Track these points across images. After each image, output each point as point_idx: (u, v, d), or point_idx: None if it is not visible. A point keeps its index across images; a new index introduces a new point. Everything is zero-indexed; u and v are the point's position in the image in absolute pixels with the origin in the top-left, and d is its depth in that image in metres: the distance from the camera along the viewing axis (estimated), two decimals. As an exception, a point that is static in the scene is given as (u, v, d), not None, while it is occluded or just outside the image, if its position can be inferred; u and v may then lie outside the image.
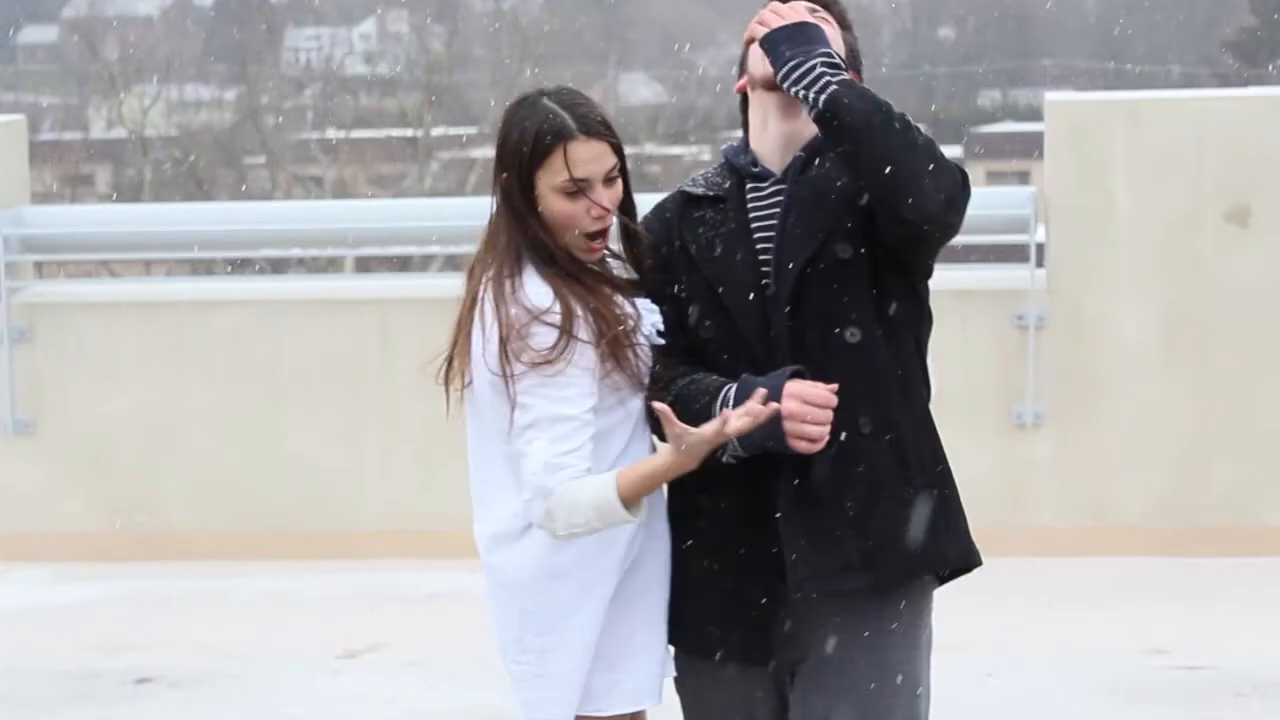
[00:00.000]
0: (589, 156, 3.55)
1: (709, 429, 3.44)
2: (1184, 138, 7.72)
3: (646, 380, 3.63)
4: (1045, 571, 7.46)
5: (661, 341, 3.65)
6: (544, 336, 3.50)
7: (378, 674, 6.62)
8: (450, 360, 3.65)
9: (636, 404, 3.63)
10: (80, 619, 7.35)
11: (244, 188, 33.54)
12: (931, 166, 3.47)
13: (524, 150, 3.55)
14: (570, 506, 3.51)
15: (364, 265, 18.64)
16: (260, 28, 40.91)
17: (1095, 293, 7.74)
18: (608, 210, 3.58)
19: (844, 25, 3.78)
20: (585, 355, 3.52)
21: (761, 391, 3.45)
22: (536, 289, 3.53)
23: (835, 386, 3.50)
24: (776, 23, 3.62)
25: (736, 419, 3.42)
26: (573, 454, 3.52)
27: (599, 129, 3.57)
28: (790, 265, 3.59)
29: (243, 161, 35.51)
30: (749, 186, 3.71)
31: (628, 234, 3.67)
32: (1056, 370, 7.74)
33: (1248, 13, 45.13)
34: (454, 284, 3.76)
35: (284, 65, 41.89)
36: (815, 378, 3.52)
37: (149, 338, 8.09)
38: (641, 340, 3.60)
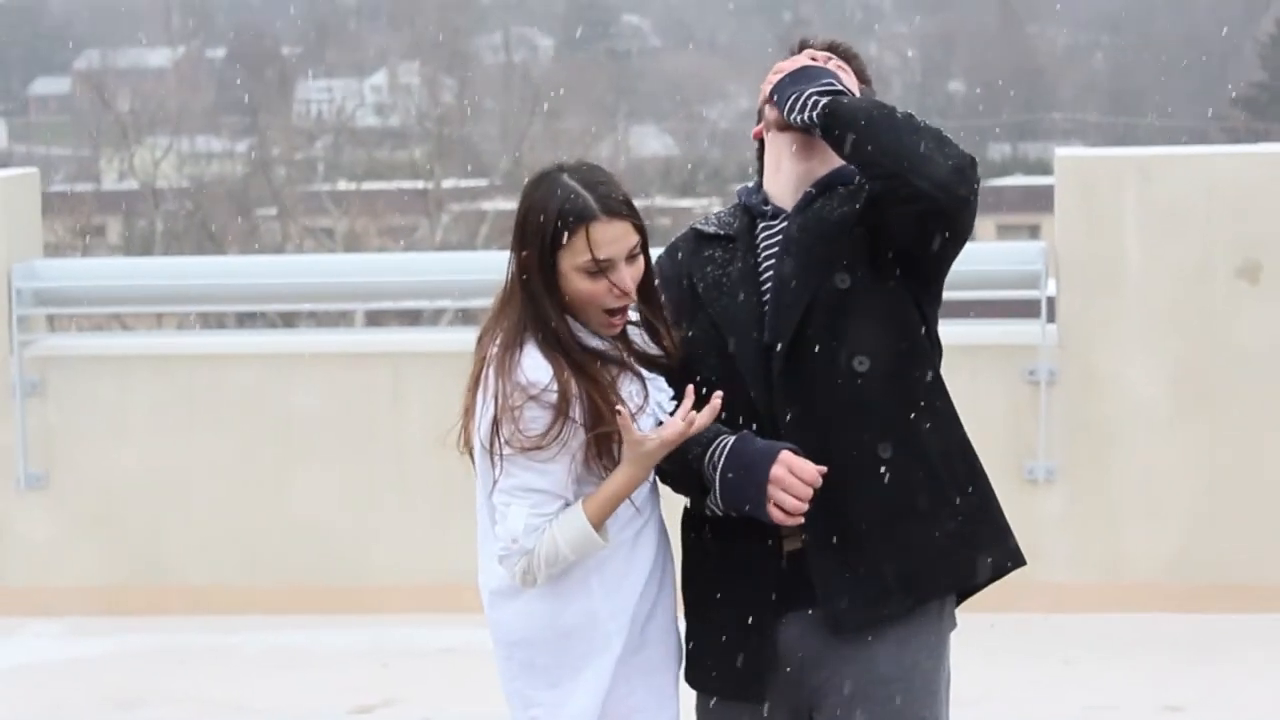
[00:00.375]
0: (612, 238, 3.54)
1: (668, 431, 3.48)
2: (1194, 194, 7.73)
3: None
4: (1059, 628, 7.44)
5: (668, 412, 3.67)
6: (537, 420, 3.50)
7: (389, 729, 6.61)
8: (465, 425, 3.68)
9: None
10: (93, 673, 7.35)
11: (255, 239, 33.63)
12: (937, 142, 3.54)
13: (546, 230, 3.53)
14: (550, 559, 3.54)
15: (375, 319, 18.68)
16: (272, 80, 41.08)
17: (1107, 348, 7.74)
18: (629, 290, 3.56)
19: (863, 79, 3.85)
20: (576, 436, 3.52)
21: (719, 394, 3.52)
22: (535, 364, 3.52)
23: (825, 470, 3.52)
24: (788, 68, 3.72)
25: (702, 418, 3.48)
26: (547, 517, 3.56)
27: (621, 209, 3.56)
28: (788, 311, 3.62)
29: (254, 213, 35.63)
30: (760, 226, 3.75)
31: (650, 327, 3.68)
32: (1068, 426, 7.74)
33: (1258, 68, 45.25)
34: (466, 338, 3.77)
35: (295, 117, 42.07)
36: (822, 410, 3.57)
37: (160, 391, 8.11)
38: (642, 424, 3.59)
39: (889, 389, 3.60)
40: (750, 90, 48.73)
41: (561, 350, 3.53)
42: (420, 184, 35.46)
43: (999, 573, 3.71)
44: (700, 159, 43.04)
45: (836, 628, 3.58)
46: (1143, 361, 7.73)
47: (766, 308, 3.64)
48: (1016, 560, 3.71)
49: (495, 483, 3.55)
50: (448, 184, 35.46)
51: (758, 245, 3.71)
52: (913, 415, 3.62)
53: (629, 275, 3.56)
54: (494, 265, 3.74)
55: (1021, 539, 3.75)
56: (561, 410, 3.48)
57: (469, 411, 3.62)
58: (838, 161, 3.72)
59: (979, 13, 49.15)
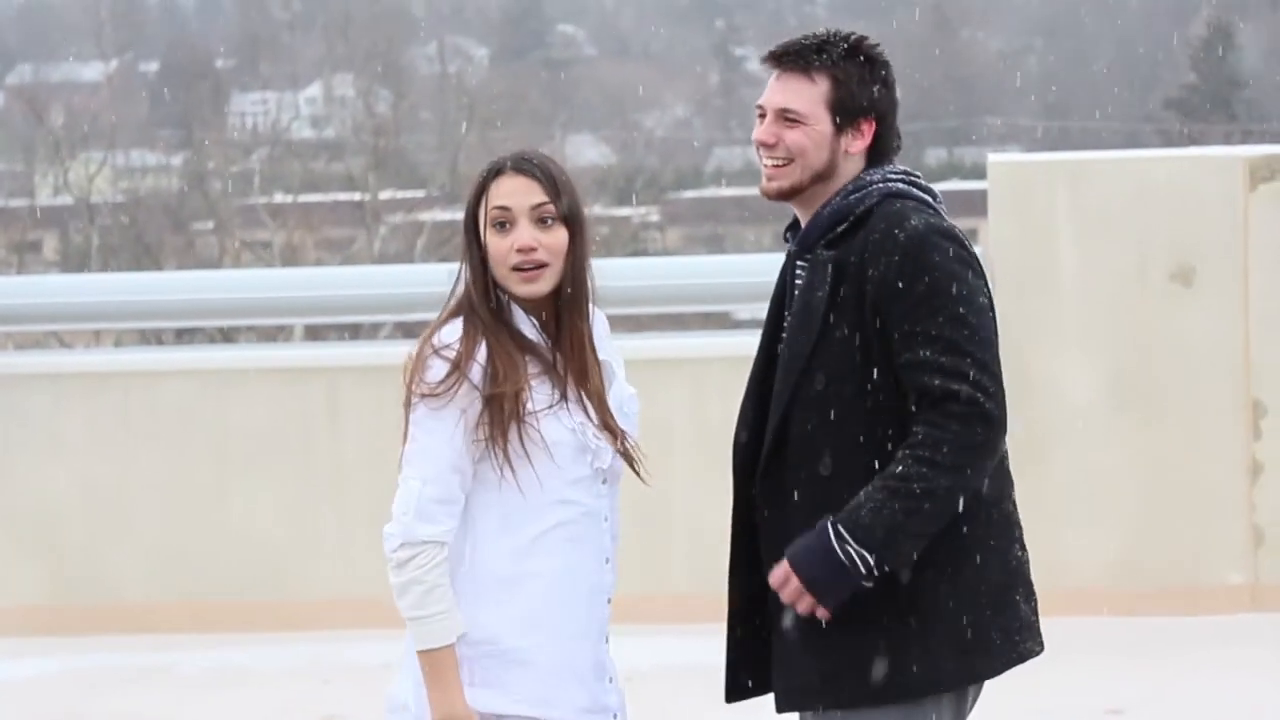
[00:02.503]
0: (513, 188, 3.65)
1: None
2: (1127, 198, 7.77)
3: (534, 473, 3.63)
4: (998, 632, 7.45)
5: (592, 448, 3.67)
6: (437, 370, 3.60)
7: (331, 746, 6.57)
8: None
9: (543, 493, 3.65)
10: (30, 693, 7.29)
11: (192, 253, 33.46)
12: (971, 460, 3.50)
13: (471, 193, 3.70)
14: (424, 596, 3.61)
15: (314, 333, 18.62)
16: (206, 93, 40.88)
17: (1041, 352, 7.77)
18: (528, 248, 3.63)
19: (874, 68, 3.70)
20: (470, 397, 3.59)
21: None
22: (451, 329, 3.65)
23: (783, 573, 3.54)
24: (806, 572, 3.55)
25: None
26: (443, 506, 3.60)
27: (533, 170, 3.67)
28: (774, 408, 3.63)
29: (190, 227, 35.44)
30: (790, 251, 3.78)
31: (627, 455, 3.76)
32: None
33: (1189, 70, 45.53)
34: (403, 351, 3.80)
35: (230, 130, 41.87)
36: (791, 510, 3.59)
37: (97, 408, 8.06)
38: (536, 426, 3.61)
39: (850, 491, 3.56)
40: (685, 98, 48.79)
41: (479, 320, 3.64)
42: (357, 196, 35.34)
43: (931, 687, 3.61)
44: (637, 167, 43.01)
45: (776, 706, 3.67)
46: (1079, 365, 7.77)
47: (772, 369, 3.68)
48: (957, 680, 3.63)
49: (404, 438, 3.64)
50: (384, 195, 35.35)
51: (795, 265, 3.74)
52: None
53: (531, 236, 3.64)
54: (432, 278, 3.80)
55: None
56: (457, 365, 3.58)
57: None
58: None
59: (912, 19, 49.32)
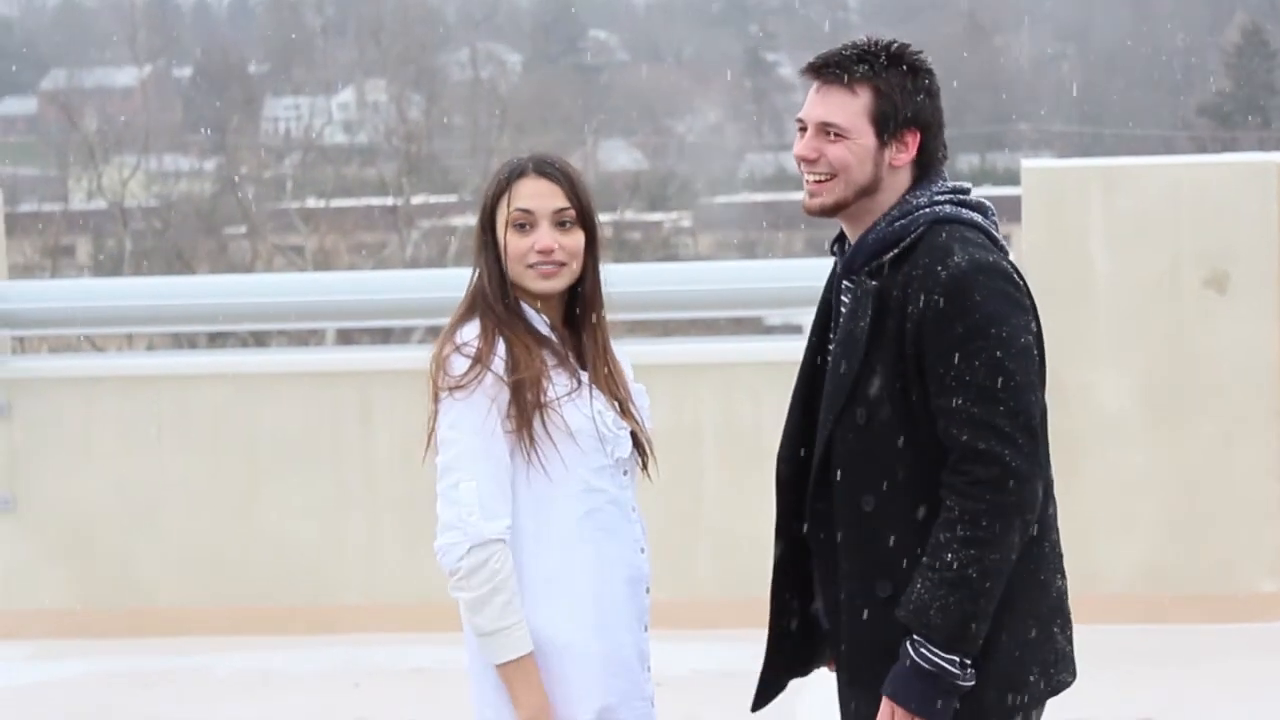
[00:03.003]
0: (535, 191, 3.72)
1: None
2: (1161, 204, 7.74)
3: (561, 460, 3.66)
4: (1029, 639, 7.43)
5: (610, 437, 3.70)
6: (460, 364, 3.66)
7: (361, 750, 6.58)
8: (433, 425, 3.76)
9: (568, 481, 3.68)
10: (62, 697, 7.31)
11: (225, 258, 33.56)
12: (1008, 524, 3.45)
13: (489, 193, 3.75)
14: (504, 608, 3.61)
15: (345, 337, 18.65)
16: (239, 98, 40.99)
17: (1074, 360, 7.75)
18: (548, 250, 3.69)
19: (917, 77, 3.60)
20: (498, 388, 3.64)
21: None
22: (469, 328, 3.70)
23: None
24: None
25: None
26: (500, 501, 3.63)
27: (554, 173, 3.74)
28: (821, 433, 3.59)
29: (223, 231, 35.55)
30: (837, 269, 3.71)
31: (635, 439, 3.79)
32: (1038, 437, 7.73)
33: (1224, 77, 45.41)
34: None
35: (263, 135, 41.99)
36: (840, 540, 3.56)
37: (129, 412, 8.07)
38: (559, 411, 3.66)
39: (892, 528, 3.53)
40: (717, 103, 48.79)
41: (495, 315, 3.70)
42: (389, 200, 35.42)
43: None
44: (669, 173, 43.05)
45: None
46: (1111, 372, 7.74)
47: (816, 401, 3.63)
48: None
49: (431, 435, 3.67)
50: (417, 200, 35.44)
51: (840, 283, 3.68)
52: (910, 557, 3.53)
53: (552, 238, 3.71)
54: (463, 282, 3.80)
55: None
56: (479, 358, 3.64)
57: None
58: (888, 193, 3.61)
59: (946, 24, 49.25)
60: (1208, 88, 45.51)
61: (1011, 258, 3.61)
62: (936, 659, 3.45)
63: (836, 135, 3.57)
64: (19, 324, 8.34)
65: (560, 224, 3.72)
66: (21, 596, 8.05)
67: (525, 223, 3.71)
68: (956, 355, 3.45)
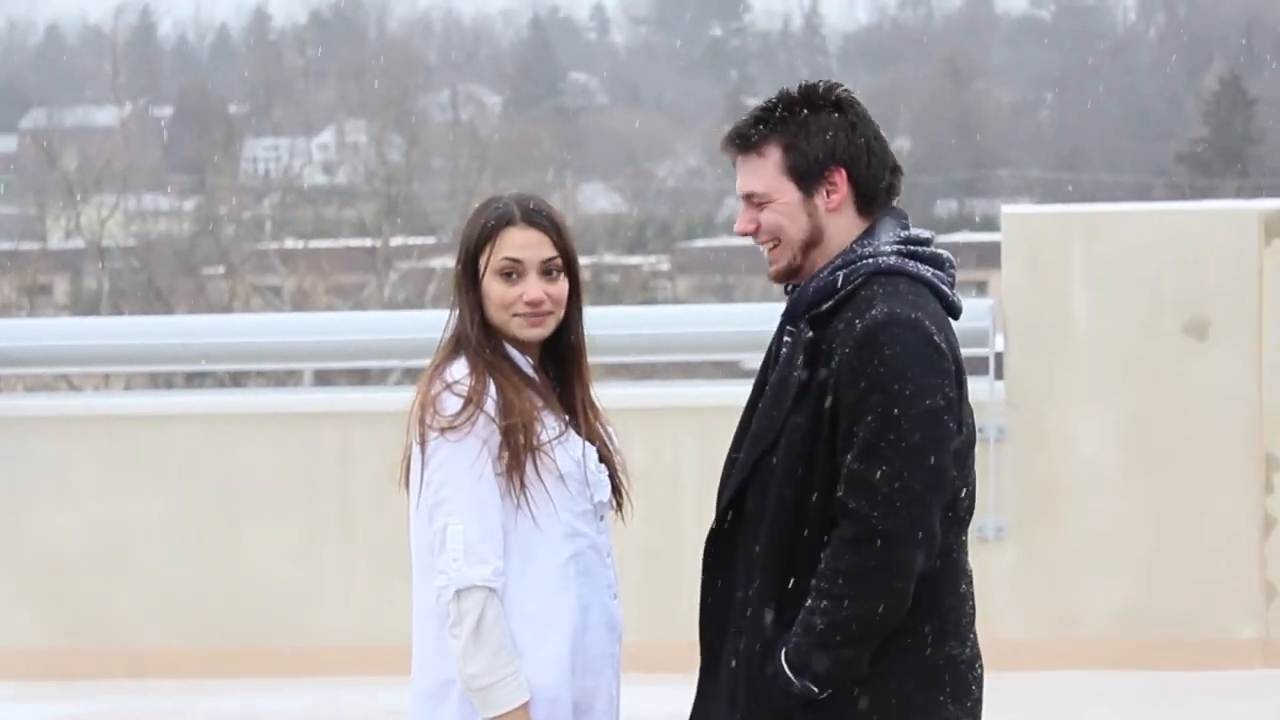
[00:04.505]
0: (524, 242, 3.67)
1: None
2: (1141, 251, 7.76)
3: (551, 503, 3.62)
4: (1010, 684, 7.41)
5: (592, 481, 3.67)
6: (452, 403, 3.60)
7: (336, 793, 6.54)
8: (407, 463, 3.70)
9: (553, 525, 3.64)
10: (35, 738, 7.26)
11: (203, 298, 33.52)
12: (855, 615, 3.36)
13: (472, 236, 3.69)
14: (492, 659, 3.56)
15: (324, 377, 18.61)
16: (219, 138, 41.01)
17: (1055, 405, 7.75)
18: (537, 301, 3.66)
19: (822, 115, 3.50)
20: (490, 430, 3.59)
21: None
22: (458, 367, 3.64)
23: None
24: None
25: None
26: (488, 544, 3.58)
27: (542, 221, 3.69)
28: (731, 482, 3.55)
29: (201, 271, 35.53)
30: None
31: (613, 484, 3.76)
32: (1018, 482, 7.73)
33: (1200, 124, 45.61)
34: (412, 397, 3.78)
35: (243, 175, 42.02)
36: (733, 586, 3.52)
37: (106, 452, 8.04)
38: (550, 455, 3.62)
39: (771, 584, 3.47)
40: (697, 147, 48.93)
41: (482, 357, 3.65)
42: (368, 242, 35.42)
43: None
44: (648, 216, 43.11)
45: None
46: (1092, 418, 7.74)
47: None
48: None
49: (423, 479, 3.60)
50: (395, 242, 35.45)
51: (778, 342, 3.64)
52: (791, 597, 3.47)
53: (540, 289, 3.67)
54: (442, 324, 3.76)
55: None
56: (472, 399, 3.59)
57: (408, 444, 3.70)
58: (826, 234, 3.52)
59: (925, 70, 49.42)
60: (1186, 135, 45.71)
61: (948, 320, 3.49)
62: (795, 683, 3.42)
63: (761, 202, 3.52)
64: (-4, 362, 8.30)
65: (546, 272, 3.69)
66: (-5, 636, 8.00)
67: (513, 271, 3.67)
68: (857, 411, 3.37)
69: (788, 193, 3.50)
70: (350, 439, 7.93)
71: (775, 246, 3.53)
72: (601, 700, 3.70)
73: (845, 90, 3.54)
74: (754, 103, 3.65)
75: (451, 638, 3.58)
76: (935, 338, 3.41)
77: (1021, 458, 7.74)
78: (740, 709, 3.49)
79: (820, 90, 3.52)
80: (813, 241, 3.51)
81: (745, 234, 3.57)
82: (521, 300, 3.66)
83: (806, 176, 3.49)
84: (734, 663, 3.50)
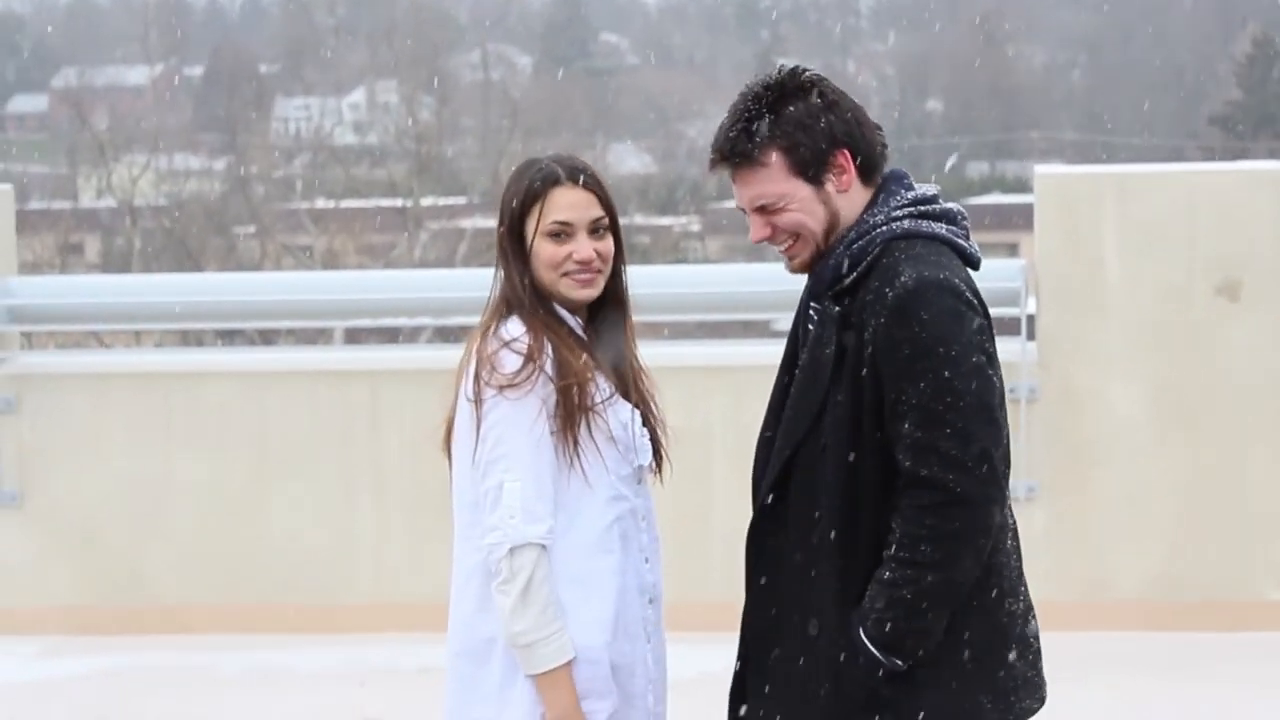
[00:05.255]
0: (571, 203, 3.67)
1: None
2: (1174, 211, 7.72)
3: (603, 464, 3.62)
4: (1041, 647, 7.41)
5: (636, 445, 3.67)
6: (511, 361, 3.59)
7: (367, 749, 6.57)
8: (450, 425, 3.70)
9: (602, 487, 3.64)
10: (69, 693, 7.30)
11: (234, 257, 33.57)
12: (956, 549, 3.36)
13: (516, 199, 3.68)
14: (540, 615, 3.56)
15: (354, 336, 18.64)
16: (250, 97, 41.03)
17: (1086, 366, 7.73)
18: (588, 260, 3.66)
19: (807, 103, 3.49)
20: (548, 389, 3.59)
21: None
22: (514, 326, 3.64)
23: None
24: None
25: None
26: (543, 502, 3.58)
27: (589, 181, 3.70)
28: (773, 465, 3.52)
29: (232, 230, 35.56)
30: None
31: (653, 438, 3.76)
32: (1049, 444, 7.72)
33: (1234, 87, 45.39)
34: (444, 355, 3.81)
35: (273, 135, 42.02)
36: (782, 584, 3.51)
37: (137, 409, 8.06)
38: (604, 416, 3.62)
39: (834, 566, 3.45)
40: (727, 107, 48.55)
41: (538, 317, 3.65)
42: (399, 202, 35.42)
43: None
44: (678, 177, 43.04)
45: None
46: (1123, 379, 7.72)
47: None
48: None
49: (478, 435, 3.59)
50: (426, 202, 35.44)
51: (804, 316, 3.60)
52: (853, 591, 3.45)
53: (590, 248, 3.67)
54: (473, 282, 3.77)
55: (1003, 557, 3.65)
56: (532, 356, 3.58)
57: (453, 410, 3.69)
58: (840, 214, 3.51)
59: (957, 32, 49.22)
60: (1219, 97, 45.50)
61: (970, 273, 3.49)
62: (873, 654, 3.40)
63: (775, 209, 3.51)
64: (28, 319, 8.33)
65: (594, 231, 3.69)
66: (29, 592, 8.05)
67: (562, 232, 3.66)
68: (905, 377, 3.36)
69: (801, 190, 3.49)
70: (381, 397, 7.94)
71: (794, 243, 3.53)
72: (638, 664, 3.70)
73: (810, 71, 3.53)
74: (785, 62, 3.62)
75: (499, 594, 3.57)
76: (966, 294, 3.43)
77: (1053, 419, 7.72)
78: (820, 699, 3.46)
79: (789, 79, 3.50)
80: (831, 227, 3.52)
81: (761, 241, 3.56)
82: (571, 259, 3.65)
83: (813, 169, 3.48)
84: (801, 658, 3.47)
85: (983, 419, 3.37)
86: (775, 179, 3.49)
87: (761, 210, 3.52)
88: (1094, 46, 50.67)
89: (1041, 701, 3.59)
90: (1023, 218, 8.57)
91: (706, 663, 7.23)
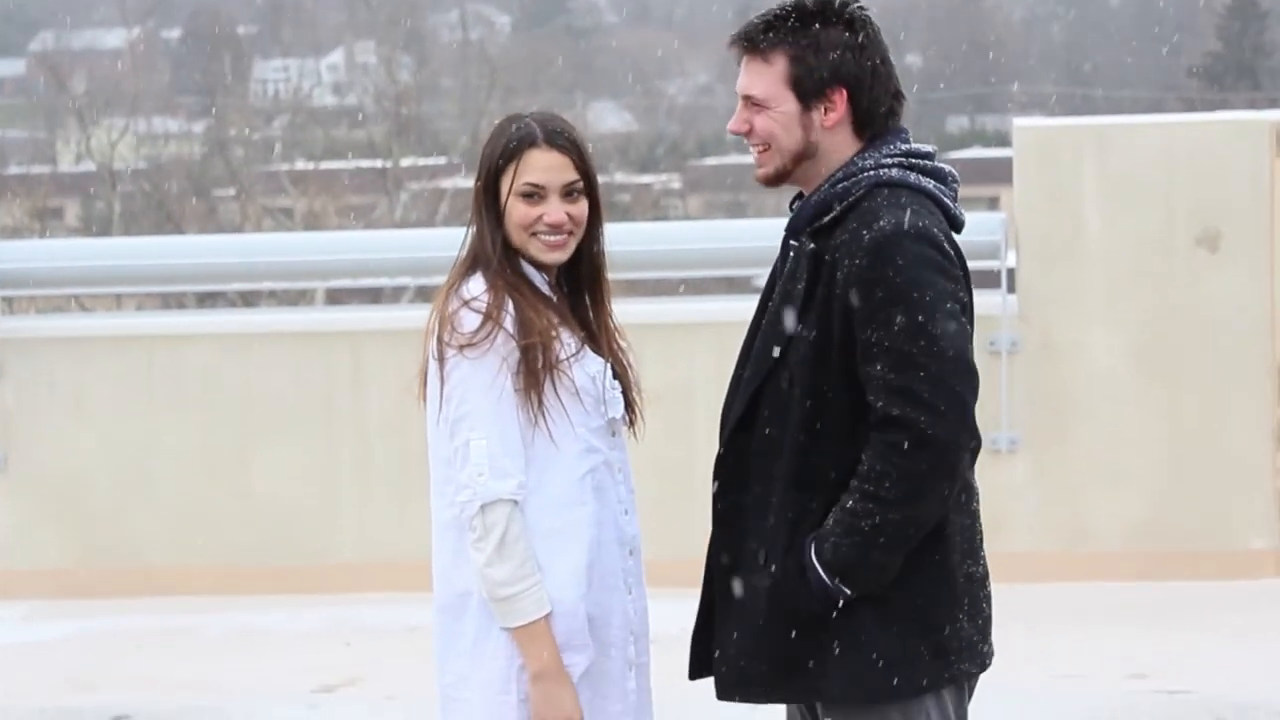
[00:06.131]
0: (547, 165, 3.66)
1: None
2: (1153, 162, 7.74)
3: (569, 420, 3.63)
4: (1022, 597, 7.44)
5: (606, 398, 3.67)
6: (470, 320, 3.59)
7: (356, 708, 6.58)
8: (424, 377, 3.70)
9: (570, 444, 3.65)
10: (54, 656, 7.31)
11: (214, 220, 33.49)
12: (919, 489, 3.36)
13: (493, 156, 3.68)
14: (516, 569, 3.57)
15: (335, 298, 18.61)
16: (228, 60, 40.88)
17: (1067, 318, 7.75)
18: (559, 224, 3.66)
19: (833, 33, 3.48)
20: (509, 347, 3.59)
21: None
22: (475, 284, 3.63)
23: None
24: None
25: None
26: (511, 458, 3.59)
27: (564, 144, 3.68)
28: (738, 401, 3.54)
29: (212, 193, 35.46)
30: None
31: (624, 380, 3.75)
32: (1030, 396, 7.74)
33: (1213, 38, 45.37)
34: (425, 315, 3.78)
35: (252, 97, 41.90)
36: (745, 504, 3.51)
37: (120, 372, 8.06)
38: (568, 372, 3.62)
39: (792, 499, 3.47)
40: (707, 65, 48.74)
41: (502, 276, 3.64)
42: (378, 163, 35.32)
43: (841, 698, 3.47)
44: (659, 135, 42.99)
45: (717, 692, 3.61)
46: (1103, 331, 7.75)
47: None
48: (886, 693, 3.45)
49: (442, 395, 3.61)
50: (406, 163, 35.34)
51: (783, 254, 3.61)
52: (805, 520, 3.47)
53: (563, 211, 3.67)
54: (453, 242, 3.77)
55: (985, 509, 3.63)
56: (490, 315, 3.58)
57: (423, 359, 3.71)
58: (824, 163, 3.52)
59: (936, -15, 49.13)
60: (1198, 49, 45.48)
61: (950, 230, 3.49)
62: (824, 580, 3.43)
63: (759, 106, 3.52)
64: (8, 284, 8.32)
65: (568, 194, 3.68)
66: (14, 557, 8.05)
67: (534, 194, 3.67)
68: (878, 319, 3.37)
69: (786, 103, 3.50)
70: (363, 357, 7.95)
71: (765, 150, 3.54)
72: (616, 615, 3.71)
73: (860, 8, 3.53)
74: (763, 19, 3.63)
75: (474, 550, 3.59)
76: (945, 246, 3.44)
77: (1034, 371, 7.75)
78: (764, 626, 3.49)
79: (835, 5, 3.51)
80: (804, 154, 3.52)
81: (738, 133, 3.57)
82: (542, 221, 3.65)
83: (807, 91, 3.49)
84: (765, 580, 3.49)
85: (958, 366, 3.38)
86: (770, 80, 3.51)
87: (747, 102, 3.54)
88: (1073, -1, 50.61)
89: (983, 668, 3.58)
90: (1003, 171, 8.58)
91: (687, 619, 7.26)
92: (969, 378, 3.40)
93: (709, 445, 8.27)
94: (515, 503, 3.59)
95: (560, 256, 3.69)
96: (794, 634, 3.47)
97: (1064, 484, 7.75)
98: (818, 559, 3.43)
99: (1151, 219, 7.72)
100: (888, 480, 3.37)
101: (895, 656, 3.46)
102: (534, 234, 3.67)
